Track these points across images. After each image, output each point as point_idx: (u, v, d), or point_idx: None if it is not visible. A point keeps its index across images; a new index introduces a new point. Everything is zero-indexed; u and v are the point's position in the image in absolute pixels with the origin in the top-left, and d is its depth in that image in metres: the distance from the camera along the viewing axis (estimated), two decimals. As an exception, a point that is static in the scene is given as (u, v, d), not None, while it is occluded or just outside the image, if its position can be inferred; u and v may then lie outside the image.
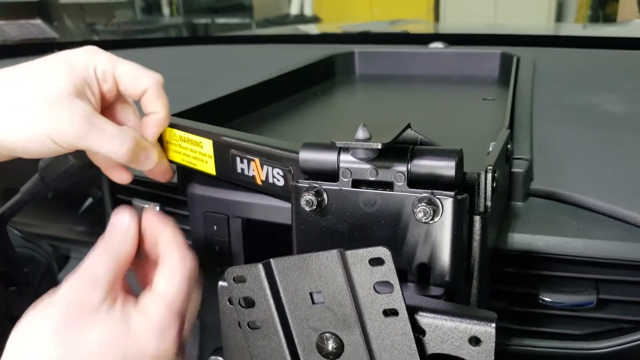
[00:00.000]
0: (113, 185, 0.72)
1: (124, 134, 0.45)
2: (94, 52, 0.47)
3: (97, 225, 0.80)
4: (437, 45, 0.95)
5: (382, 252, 0.33)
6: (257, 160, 0.48)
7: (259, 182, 0.49)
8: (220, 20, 3.86)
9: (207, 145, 0.52)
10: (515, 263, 0.49)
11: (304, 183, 0.42)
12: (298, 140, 0.60)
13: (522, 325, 0.50)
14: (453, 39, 1.01)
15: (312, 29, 1.59)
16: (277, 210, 0.50)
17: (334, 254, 0.35)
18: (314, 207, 0.40)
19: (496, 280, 0.49)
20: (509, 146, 0.48)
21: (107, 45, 1.22)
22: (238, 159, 0.50)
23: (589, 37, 0.98)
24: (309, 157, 0.42)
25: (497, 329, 0.34)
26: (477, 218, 0.41)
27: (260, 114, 0.70)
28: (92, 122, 0.44)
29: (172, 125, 0.54)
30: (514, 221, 0.49)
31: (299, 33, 1.07)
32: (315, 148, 0.42)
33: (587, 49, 0.93)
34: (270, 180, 0.48)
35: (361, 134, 0.37)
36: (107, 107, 0.49)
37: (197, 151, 0.53)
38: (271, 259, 0.37)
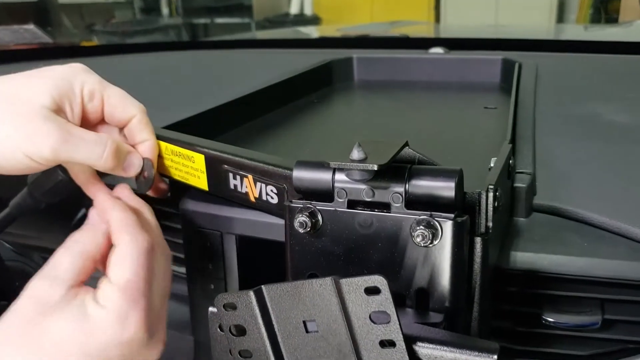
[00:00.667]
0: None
1: (103, 138, 0.44)
2: (84, 71, 0.46)
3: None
4: (437, 51, 0.94)
5: (378, 280, 0.32)
6: (250, 176, 0.47)
7: (253, 199, 0.47)
8: (220, 20, 3.84)
9: (199, 160, 0.51)
10: (518, 282, 0.47)
11: (297, 203, 0.40)
12: (294, 154, 0.58)
13: (525, 345, 0.48)
14: (453, 44, 1.00)
15: (311, 31, 1.58)
16: (272, 227, 0.49)
17: (327, 281, 0.33)
18: (308, 229, 0.39)
19: (498, 299, 0.47)
20: (511, 161, 0.47)
21: (102, 50, 1.20)
22: (231, 174, 0.48)
23: (592, 41, 0.96)
24: (303, 176, 0.40)
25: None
26: (478, 239, 0.39)
27: (255, 125, 0.68)
28: (68, 131, 0.42)
29: (163, 139, 0.53)
30: (517, 239, 0.47)
31: (297, 37, 1.05)
32: (310, 167, 0.40)
33: (590, 54, 0.92)
34: (264, 198, 0.46)
35: (356, 154, 0.36)
36: (90, 128, 0.47)
37: (188, 165, 0.52)
38: (263, 286, 0.35)
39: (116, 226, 0.42)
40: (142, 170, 0.49)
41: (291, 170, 0.42)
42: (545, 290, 0.47)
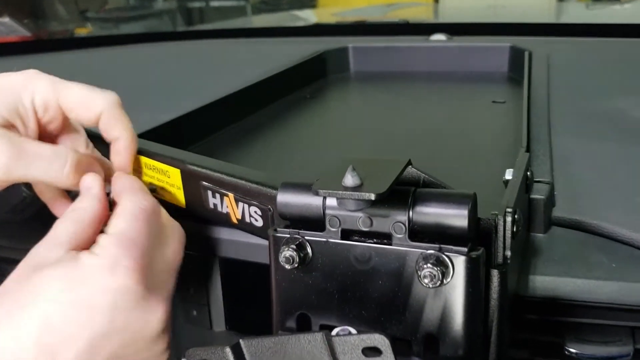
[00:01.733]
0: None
1: (61, 152, 0.40)
2: (33, 78, 0.41)
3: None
4: (438, 37, 0.87)
5: (379, 340, 0.26)
6: (231, 195, 0.41)
7: (235, 221, 0.42)
8: (215, 3, 3.75)
9: (174, 175, 0.45)
10: (538, 309, 0.41)
11: (283, 233, 0.34)
12: (284, 164, 0.52)
13: (545, 378, 0.43)
14: (455, 29, 0.93)
15: (306, 15, 1.50)
16: (259, 249, 0.43)
17: (318, 337, 0.28)
18: (296, 265, 0.33)
19: (516, 327, 0.42)
20: (529, 173, 0.41)
21: (91, 42, 1.14)
22: (209, 192, 0.43)
23: (608, 24, 0.88)
24: (289, 200, 0.34)
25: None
26: (494, 272, 0.33)
27: (242, 126, 0.62)
28: (20, 146, 0.39)
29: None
30: (535, 259, 0.42)
31: (288, 25, 0.98)
32: (296, 190, 0.34)
33: (607, 39, 0.84)
34: (247, 220, 0.41)
35: (350, 179, 0.30)
36: (51, 139, 0.44)
37: (164, 180, 0.46)
38: (241, 340, 0.30)
39: (120, 188, 0.41)
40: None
41: (276, 189, 0.37)
42: (568, 317, 0.42)
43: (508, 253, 0.34)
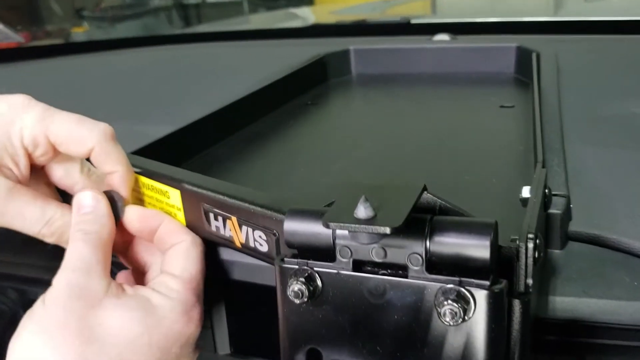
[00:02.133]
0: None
1: (45, 217, 0.40)
2: (22, 111, 0.39)
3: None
4: (442, 38, 0.85)
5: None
6: (233, 219, 0.39)
7: (238, 244, 0.40)
8: (212, -1, 3.71)
9: (174, 196, 0.43)
10: (558, 331, 0.40)
11: (291, 263, 0.32)
12: (287, 178, 0.50)
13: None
14: (458, 28, 0.91)
15: (304, 12, 1.48)
16: (266, 270, 0.41)
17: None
18: (305, 299, 0.31)
19: (536, 350, 0.40)
20: (546, 191, 0.39)
21: (85, 47, 1.11)
22: (211, 215, 0.41)
23: (616, 20, 0.85)
24: (297, 229, 0.32)
25: None
26: (516, 302, 0.31)
27: (242, 137, 0.60)
28: (7, 204, 0.39)
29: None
30: (553, 278, 0.40)
31: (286, 27, 0.96)
32: (304, 217, 0.32)
33: (615, 36, 0.82)
34: (252, 244, 0.39)
35: (362, 211, 0.28)
36: (44, 167, 0.43)
37: (163, 201, 0.44)
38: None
39: (175, 226, 0.42)
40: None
41: (283, 213, 0.35)
42: (590, 339, 0.40)
43: (530, 281, 0.32)
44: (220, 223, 0.40)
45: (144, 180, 0.45)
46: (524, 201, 0.39)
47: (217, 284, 0.45)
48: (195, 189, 0.41)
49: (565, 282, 0.39)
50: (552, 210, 0.42)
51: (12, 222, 0.40)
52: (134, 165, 0.45)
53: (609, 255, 0.41)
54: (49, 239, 0.41)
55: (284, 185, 0.49)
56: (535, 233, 0.32)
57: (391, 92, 0.73)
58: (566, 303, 0.38)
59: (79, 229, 0.39)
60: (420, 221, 0.30)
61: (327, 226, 0.28)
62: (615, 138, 0.51)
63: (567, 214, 0.43)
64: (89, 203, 0.40)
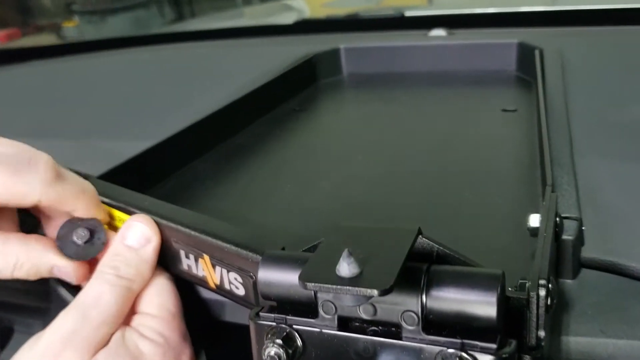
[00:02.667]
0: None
1: (9, 264, 0.35)
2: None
3: (45, 284, 0.66)
4: (438, 33, 0.80)
5: None
6: (206, 257, 0.35)
7: (212, 286, 0.35)
8: (202, -10, 3.64)
9: (143, 229, 0.38)
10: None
11: (267, 319, 0.28)
12: (270, 201, 0.46)
13: None
14: (455, 21, 0.86)
15: (298, 4, 1.42)
16: (245, 310, 0.37)
17: None
18: (284, 363, 0.27)
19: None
20: (558, 220, 0.34)
21: (67, 49, 1.05)
22: (182, 252, 0.36)
23: (629, 9, 0.78)
24: (273, 279, 0.28)
25: None
26: (527, 359, 0.27)
27: (224, 150, 0.56)
28: None
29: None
30: (566, 315, 0.35)
31: (275, 24, 0.90)
32: (281, 265, 0.28)
33: (624, 27, 0.76)
34: (227, 286, 0.34)
35: (346, 268, 0.24)
36: None
37: (132, 233, 0.40)
38: None
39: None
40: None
41: (260, 254, 0.31)
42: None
43: (542, 333, 0.28)
44: (192, 261, 0.36)
45: (108, 209, 0.40)
46: (533, 230, 0.35)
47: (196, 324, 0.40)
48: (163, 222, 0.37)
49: (580, 319, 0.35)
50: (564, 237, 0.37)
51: None
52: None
53: (627, 285, 0.37)
54: (30, 278, 0.37)
55: (267, 208, 0.45)
56: (547, 278, 0.27)
57: (384, 95, 0.68)
58: (582, 344, 0.34)
59: (113, 266, 0.34)
60: (415, 272, 0.25)
61: (305, 287, 0.24)
62: (630, 149, 0.47)
63: (579, 239, 0.39)
64: (138, 237, 0.36)
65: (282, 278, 0.28)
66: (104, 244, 0.36)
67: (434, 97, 0.66)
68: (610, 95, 0.55)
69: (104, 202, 0.40)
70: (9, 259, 0.35)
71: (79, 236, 0.36)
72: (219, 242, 0.34)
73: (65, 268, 0.36)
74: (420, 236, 0.26)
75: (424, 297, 0.25)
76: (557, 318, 0.35)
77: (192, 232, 0.35)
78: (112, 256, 0.35)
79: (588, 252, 0.39)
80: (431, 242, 0.27)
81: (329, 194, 0.46)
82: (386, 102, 0.66)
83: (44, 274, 0.36)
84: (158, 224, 0.37)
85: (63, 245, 0.36)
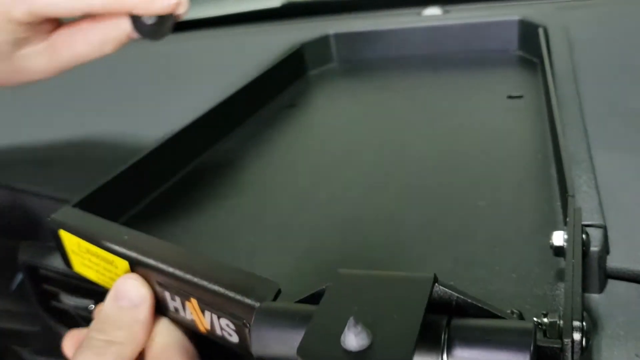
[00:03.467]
0: (36, 275, 0.55)
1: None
2: None
3: (34, 306, 0.63)
4: (433, 12, 0.75)
5: None
6: (193, 301, 0.31)
7: (203, 330, 0.32)
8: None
9: (122, 266, 0.35)
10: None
11: (263, 385, 0.24)
12: (262, 225, 0.41)
13: None
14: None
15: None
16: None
17: None
18: None
19: None
20: (584, 236, 0.31)
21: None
22: (167, 294, 0.33)
23: None
24: (269, 340, 0.24)
25: None
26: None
27: (209, 160, 0.52)
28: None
29: (70, 229, 0.37)
30: (596, 337, 0.32)
31: (258, 9, 0.85)
32: (279, 323, 0.24)
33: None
34: (219, 332, 0.31)
35: (353, 340, 0.20)
36: None
37: (112, 271, 0.36)
38: None
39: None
40: None
41: (252, 299, 0.27)
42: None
43: (578, 380, 0.24)
44: (178, 304, 0.32)
45: (85, 244, 0.37)
46: (556, 249, 0.31)
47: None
48: (144, 259, 0.33)
49: (611, 342, 0.32)
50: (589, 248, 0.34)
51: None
52: (69, 225, 0.37)
53: (660, 297, 0.34)
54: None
55: (259, 229, 0.41)
56: (581, 320, 0.24)
57: (379, 83, 0.64)
58: (615, 371, 0.31)
59: (101, 330, 0.31)
60: (433, 327, 0.22)
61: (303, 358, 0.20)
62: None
63: (605, 248, 0.35)
64: (131, 297, 0.32)
65: (279, 342, 0.24)
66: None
67: (433, 83, 0.61)
68: (625, 78, 0.51)
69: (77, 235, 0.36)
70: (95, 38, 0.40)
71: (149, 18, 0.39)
72: (207, 284, 0.30)
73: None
74: (437, 284, 0.23)
75: (445, 356, 0.21)
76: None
77: (178, 272, 0.31)
78: (102, 319, 0.31)
79: (615, 261, 0.35)
80: (449, 291, 0.23)
81: (326, 208, 0.42)
82: (382, 92, 0.62)
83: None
84: (139, 262, 0.33)
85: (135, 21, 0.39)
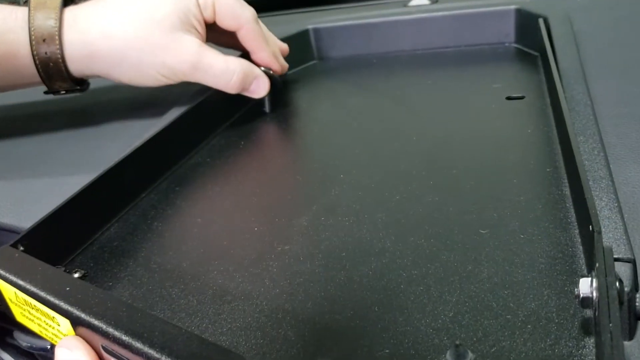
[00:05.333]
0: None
1: (231, 67, 0.49)
2: None
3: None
4: (419, 2, 0.69)
5: None
6: (146, 375, 0.26)
7: (161, 406, 0.26)
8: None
9: (65, 325, 0.29)
10: None
11: None
12: (235, 257, 0.35)
13: None
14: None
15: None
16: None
17: None
18: None
19: None
20: (618, 284, 0.25)
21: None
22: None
23: None
24: None
25: None
26: None
27: (175, 179, 0.46)
28: (199, 59, 0.47)
29: (6, 278, 0.32)
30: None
31: None
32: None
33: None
34: (178, 413, 0.25)
35: None
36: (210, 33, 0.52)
37: (54, 327, 0.31)
38: None
39: None
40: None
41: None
42: None
43: None
44: (129, 373, 0.27)
45: (24, 297, 0.31)
46: (584, 301, 0.26)
47: None
48: (87, 318, 0.27)
49: (648, 402, 0.27)
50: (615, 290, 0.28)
51: (204, 76, 0.48)
52: (3, 273, 0.31)
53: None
54: (235, 88, 0.50)
55: (226, 274, 0.35)
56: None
57: (364, 84, 0.58)
58: None
59: None
60: None
61: None
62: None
63: (634, 286, 0.30)
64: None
65: None
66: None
67: (423, 84, 0.56)
68: (638, 74, 0.46)
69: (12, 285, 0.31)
70: (229, 64, 0.49)
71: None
72: (157, 356, 0.24)
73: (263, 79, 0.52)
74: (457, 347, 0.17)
75: None
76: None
77: (126, 339, 0.26)
78: None
79: (645, 299, 0.30)
80: (467, 351, 0.18)
81: (302, 236, 0.36)
82: (367, 93, 0.56)
83: (249, 82, 0.51)
84: (82, 322, 0.28)
85: None
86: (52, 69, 0.48)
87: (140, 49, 0.47)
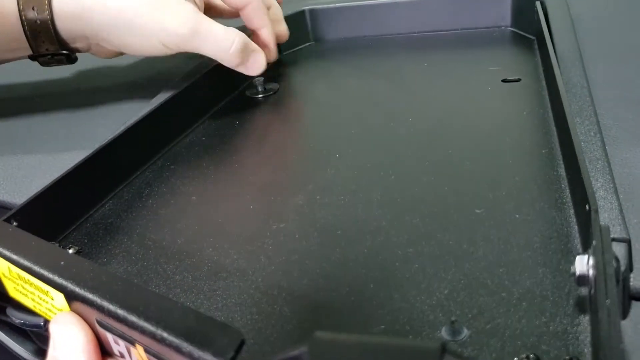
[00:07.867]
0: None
1: (230, 35, 0.47)
2: None
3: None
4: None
5: None
6: (139, 348, 0.26)
7: (155, 381, 0.26)
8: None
9: (59, 299, 0.29)
10: None
11: None
12: (228, 240, 0.35)
13: None
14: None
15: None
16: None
17: None
18: None
19: None
20: (615, 263, 0.26)
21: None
22: (109, 336, 0.27)
23: None
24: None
25: None
26: None
27: (164, 165, 0.45)
28: (198, 23, 0.46)
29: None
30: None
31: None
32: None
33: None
34: (173, 386, 0.25)
35: None
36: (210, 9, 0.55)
37: (48, 301, 0.30)
38: None
39: None
40: None
41: (211, 355, 0.22)
42: None
43: None
44: (123, 348, 0.27)
45: (17, 271, 0.31)
46: (580, 279, 0.26)
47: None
48: (81, 292, 0.27)
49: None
50: (611, 269, 0.29)
51: (205, 42, 0.46)
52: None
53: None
54: (234, 59, 0.48)
55: (221, 252, 0.35)
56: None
57: (361, 66, 0.58)
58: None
59: None
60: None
61: None
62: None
63: (629, 266, 0.30)
64: (67, 348, 0.27)
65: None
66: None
67: (419, 66, 0.56)
68: (636, 59, 0.46)
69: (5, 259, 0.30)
70: (229, 33, 0.47)
71: None
72: (153, 329, 0.24)
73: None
74: (446, 354, 0.17)
75: None
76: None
77: (121, 312, 0.26)
78: None
79: (639, 280, 0.30)
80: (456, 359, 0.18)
81: (299, 214, 0.36)
82: (363, 75, 0.56)
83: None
84: (77, 296, 0.27)
85: None
86: (39, 26, 0.45)
87: (137, 9, 0.45)
